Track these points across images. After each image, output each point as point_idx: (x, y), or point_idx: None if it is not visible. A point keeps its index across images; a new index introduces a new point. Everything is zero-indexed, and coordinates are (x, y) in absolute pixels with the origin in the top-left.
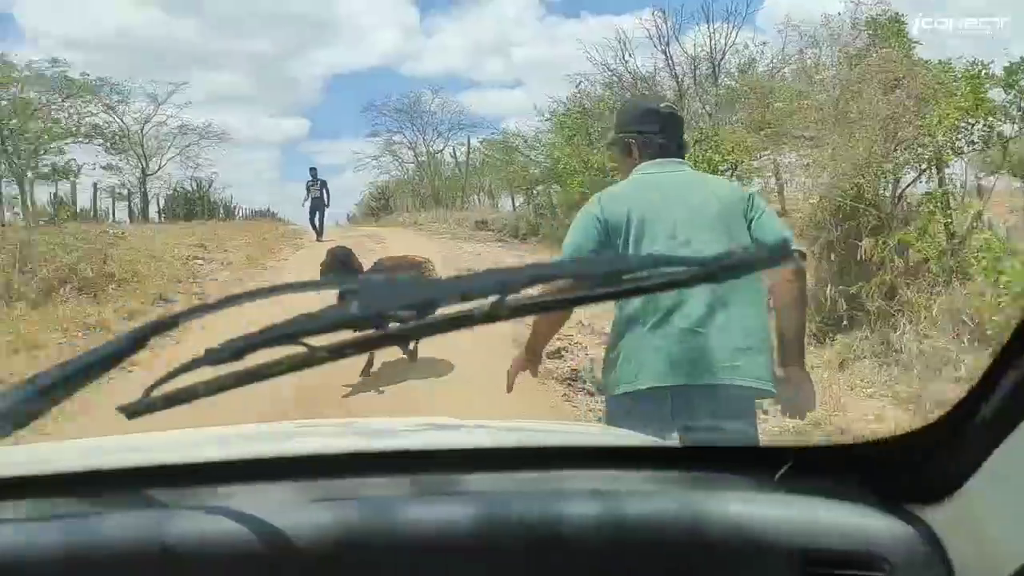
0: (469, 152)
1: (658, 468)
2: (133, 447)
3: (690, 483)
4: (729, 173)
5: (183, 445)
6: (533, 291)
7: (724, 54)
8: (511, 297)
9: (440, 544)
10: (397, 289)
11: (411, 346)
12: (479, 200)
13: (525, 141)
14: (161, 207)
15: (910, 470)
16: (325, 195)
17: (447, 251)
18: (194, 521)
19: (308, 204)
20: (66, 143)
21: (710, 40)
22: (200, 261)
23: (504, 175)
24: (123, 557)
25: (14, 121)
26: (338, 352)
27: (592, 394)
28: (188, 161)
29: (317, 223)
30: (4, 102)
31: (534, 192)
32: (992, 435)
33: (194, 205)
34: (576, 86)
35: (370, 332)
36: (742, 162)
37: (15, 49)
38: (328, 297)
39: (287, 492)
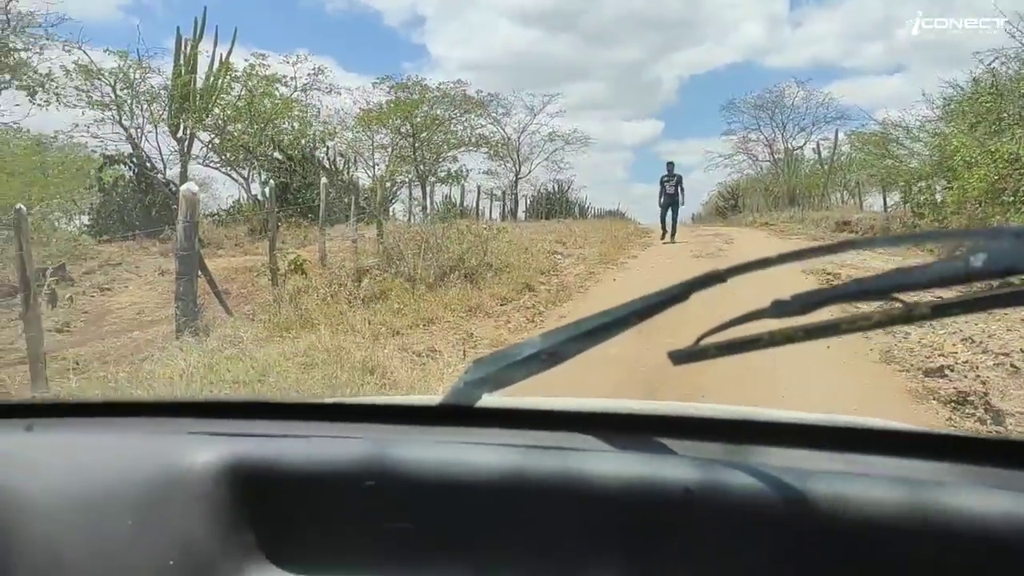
0: (836, 146)
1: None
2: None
3: None
4: None
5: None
6: None
7: None
8: None
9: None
10: None
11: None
12: (840, 199)
13: (907, 131)
14: (527, 207)
15: None
16: (680, 192)
17: None
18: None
19: (662, 200)
20: (460, 152)
21: None
22: (559, 256)
23: (878, 170)
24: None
25: (424, 134)
26: (942, 310)
27: (983, 423)
28: (553, 165)
29: (669, 221)
30: (419, 119)
31: (913, 189)
32: None
33: (554, 205)
34: (986, 65)
35: (987, 289)
36: None
37: (427, 74)
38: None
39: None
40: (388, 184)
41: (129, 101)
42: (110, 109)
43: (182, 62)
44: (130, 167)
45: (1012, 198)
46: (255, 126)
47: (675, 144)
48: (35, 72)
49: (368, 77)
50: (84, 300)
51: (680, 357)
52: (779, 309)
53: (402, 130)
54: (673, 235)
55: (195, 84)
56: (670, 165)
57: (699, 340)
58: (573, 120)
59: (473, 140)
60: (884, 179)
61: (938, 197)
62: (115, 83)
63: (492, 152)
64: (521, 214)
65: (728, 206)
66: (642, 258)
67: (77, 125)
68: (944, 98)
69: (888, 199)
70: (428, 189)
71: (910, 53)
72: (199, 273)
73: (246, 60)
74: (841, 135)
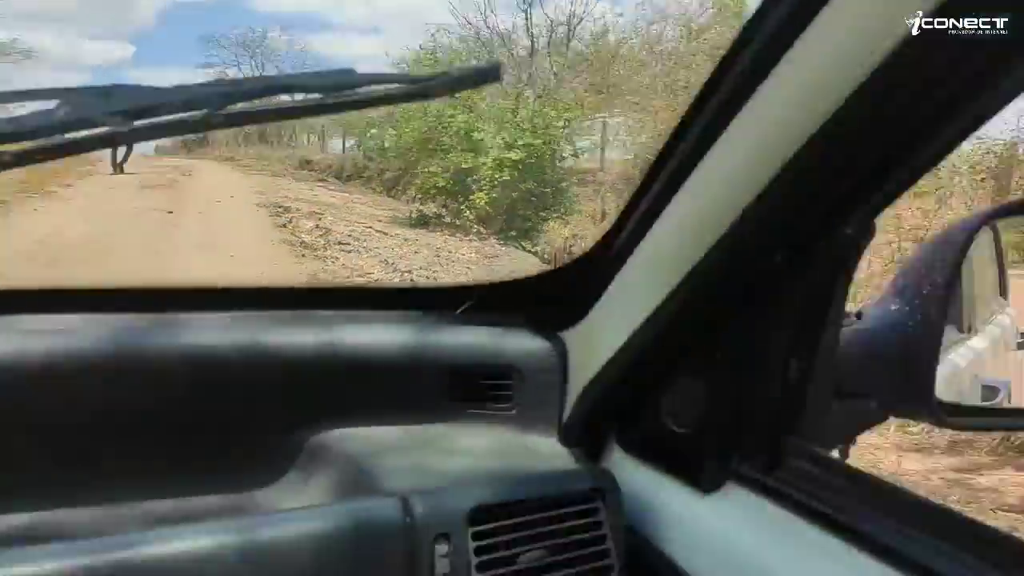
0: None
1: (379, 308)
2: None
3: (395, 319)
4: (562, 128)
5: None
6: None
7: (581, 20)
8: (234, 107)
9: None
10: (111, 95)
11: (119, 158)
12: (308, 140)
13: None
14: None
15: (557, 302)
16: None
17: (263, 186)
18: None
19: None
20: None
21: (571, 5)
22: None
23: (340, 117)
24: None
25: None
26: (26, 158)
27: None
28: None
29: (122, 150)
30: None
31: (366, 135)
32: (611, 270)
33: None
34: (432, 36)
35: (67, 137)
36: (575, 119)
37: None
38: None
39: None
40: None
41: None
42: None
43: None
44: None
45: (436, 147)
46: None
47: (149, 71)
48: None
49: None
50: None
51: None
52: None
53: None
54: (121, 165)
55: None
56: None
57: None
58: (15, 28)
59: None
60: (345, 126)
61: (385, 143)
62: None
63: None
64: None
65: (196, 139)
66: (79, 186)
67: None
68: (404, 61)
69: (347, 143)
70: None
71: (389, 18)
72: None
73: None
74: None
